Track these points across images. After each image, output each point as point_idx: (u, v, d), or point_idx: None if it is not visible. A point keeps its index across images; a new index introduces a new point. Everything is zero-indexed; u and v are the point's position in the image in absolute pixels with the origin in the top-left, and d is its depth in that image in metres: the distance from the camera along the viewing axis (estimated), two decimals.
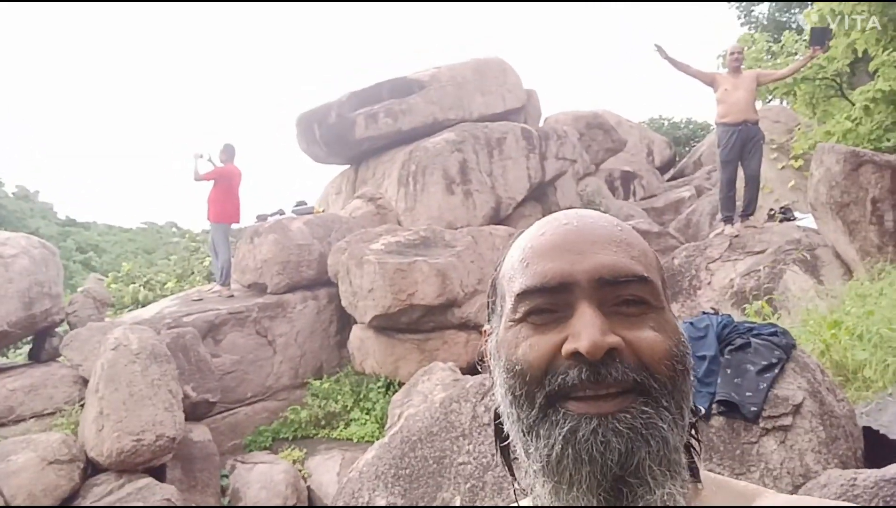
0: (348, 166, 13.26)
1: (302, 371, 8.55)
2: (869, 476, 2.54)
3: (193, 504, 6.39)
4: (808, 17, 8.62)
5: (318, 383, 8.28)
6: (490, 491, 3.33)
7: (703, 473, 0.66)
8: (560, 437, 0.58)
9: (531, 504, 0.66)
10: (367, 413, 7.83)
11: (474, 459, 3.55)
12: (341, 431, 7.71)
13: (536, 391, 0.60)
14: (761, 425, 3.06)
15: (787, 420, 3.06)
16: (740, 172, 7.15)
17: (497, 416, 0.68)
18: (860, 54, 8.10)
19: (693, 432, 0.65)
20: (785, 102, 10.72)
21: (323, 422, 7.87)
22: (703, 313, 3.64)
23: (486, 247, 9.47)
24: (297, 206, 10.33)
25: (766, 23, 15.84)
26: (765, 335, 3.30)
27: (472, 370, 8.12)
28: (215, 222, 9.20)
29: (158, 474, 6.35)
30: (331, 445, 7.54)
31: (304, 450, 7.44)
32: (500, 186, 11.56)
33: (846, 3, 7.42)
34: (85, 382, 7.04)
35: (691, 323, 3.45)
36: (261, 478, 6.87)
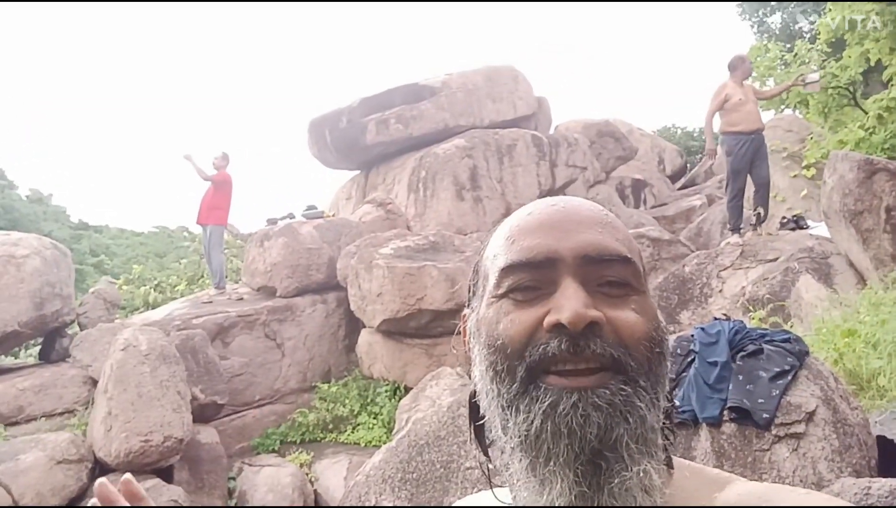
0: (359, 172, 13.29)
1: (310, 375, 8.56)
2: (883, 485, 2.49)
3: (200, 505, 6.39)
4: (821, 26, 8.60)
5: (326, 386, 8.29)
6: None
7: (675, 460, 0.66)
8: (540, 411, 0.57)
9: (504, 486, 0.66)
10: (374, 418, 7.83)
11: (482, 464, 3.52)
12: (349, 435, 7.71)
13: (517, 365, 0.60)
14: (773, 432, 3.01)
15: (800, 428, 3.01)
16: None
17: (472, 395, 0.68)
18: (873, 63, 8.06)
19: (667, 420, 0.65)
20: (797, 112, 10.66)
21: (330, 426, 7.87)
22: (715, 318, 3.60)
23: None
24: (307, 210, 10.35)
25: (777, 32, 15.80)
26: (777, 341, 3.26)
27: None
28: (214, 225, 9.23)
29: (166, 475, 6.36)
30: (338, 449, 7.53)
31: (312, 454, 7.44)
32: (510, 193, 11.55)
33: (859, 3, 7.38)
34: (94, 382, 7.09)
35: (703, 329, 3.41)
36: (268, 481, 6.87)
